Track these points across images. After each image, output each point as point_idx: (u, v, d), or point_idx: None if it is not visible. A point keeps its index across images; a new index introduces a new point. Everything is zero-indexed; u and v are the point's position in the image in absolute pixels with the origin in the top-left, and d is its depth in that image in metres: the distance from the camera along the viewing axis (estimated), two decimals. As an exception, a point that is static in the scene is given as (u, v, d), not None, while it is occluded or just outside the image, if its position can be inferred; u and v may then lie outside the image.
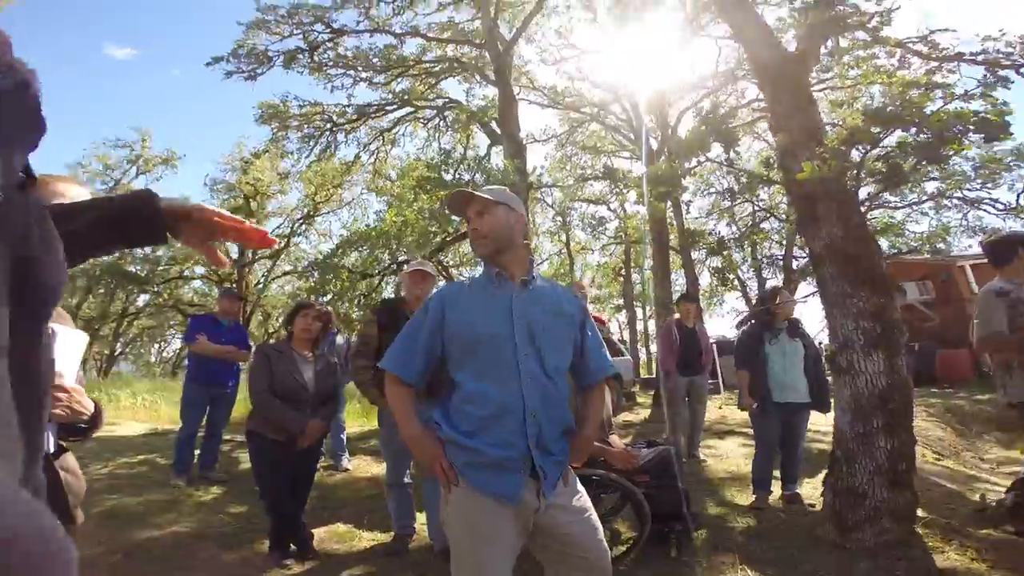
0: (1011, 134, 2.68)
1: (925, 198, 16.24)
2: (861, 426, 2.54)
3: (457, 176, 8.82)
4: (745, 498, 3.68)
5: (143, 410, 9.01)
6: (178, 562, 2.86)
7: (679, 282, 17.98)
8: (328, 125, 11.42)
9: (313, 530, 3.14)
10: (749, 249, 19.76)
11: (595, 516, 1.65)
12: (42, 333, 0.50)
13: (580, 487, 1.68)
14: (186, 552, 3.02)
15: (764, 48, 3.79)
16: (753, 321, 4.34)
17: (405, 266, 8.98)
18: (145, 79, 52.90)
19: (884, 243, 16.50)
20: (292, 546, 2.92)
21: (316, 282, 8.79)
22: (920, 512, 2.80)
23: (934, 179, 15.97)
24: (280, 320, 20.68)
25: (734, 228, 17.36)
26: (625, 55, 11.86)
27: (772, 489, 3.61)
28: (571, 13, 11.63)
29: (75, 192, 1.24)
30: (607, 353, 1.80)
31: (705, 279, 20.45)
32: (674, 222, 13.23)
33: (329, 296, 8.54)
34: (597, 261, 24.59)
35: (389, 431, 3.02)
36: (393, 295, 10.00)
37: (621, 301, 24.78)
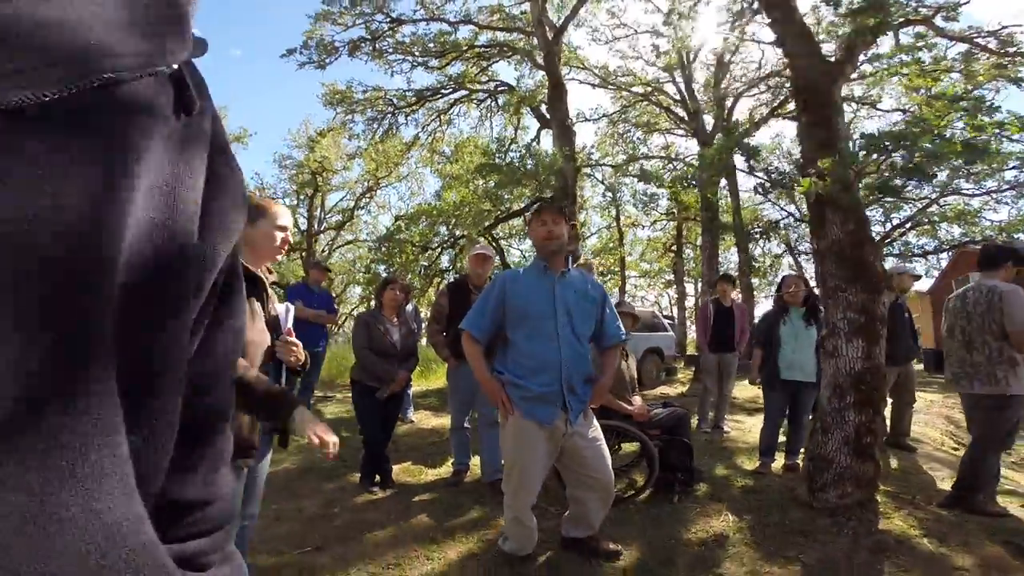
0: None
1: (1005, 186, 15.21)
2: (837, 402, 3.02)
3: (509, 159, 9.40)
4: (752, 464, 4.22)
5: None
6: (293, 490, 3.76)
7: (734, 260, 17.85)
8: (390, 108, 12.21)
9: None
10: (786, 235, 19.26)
11: (605, 447, 2.43)
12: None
13: (596, 423, 2.45)
14: (296, 483, 3.93)
15: (800, 53, 4.03)
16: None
17: (463, 241, 9.81)
18: (206, 58, 55.10)
19: (957, 231, 15.65)
20: (377, 477, 3.77)
21: (384, 254, 9.72)
22: (891, 488, 3.28)
23: (1015, 167, 14.92)
24: (342, 283, 22.31)
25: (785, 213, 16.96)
26: (678, 35, 11.78)
27: (776, 458, 4.13)
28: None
29: (284, 215, 1.81)
30: (620, 325, 2.59)
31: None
32: (730, 201, 13.24)
33: (395, 267, 9.44)
34: (648, 236, 24.54)
35: (456, 383, 3.79)
36: (450, 266, 10.85)
37: (671, 276, 24.72)
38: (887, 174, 3.30)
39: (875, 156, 3.30)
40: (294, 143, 21.68)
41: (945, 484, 3.58)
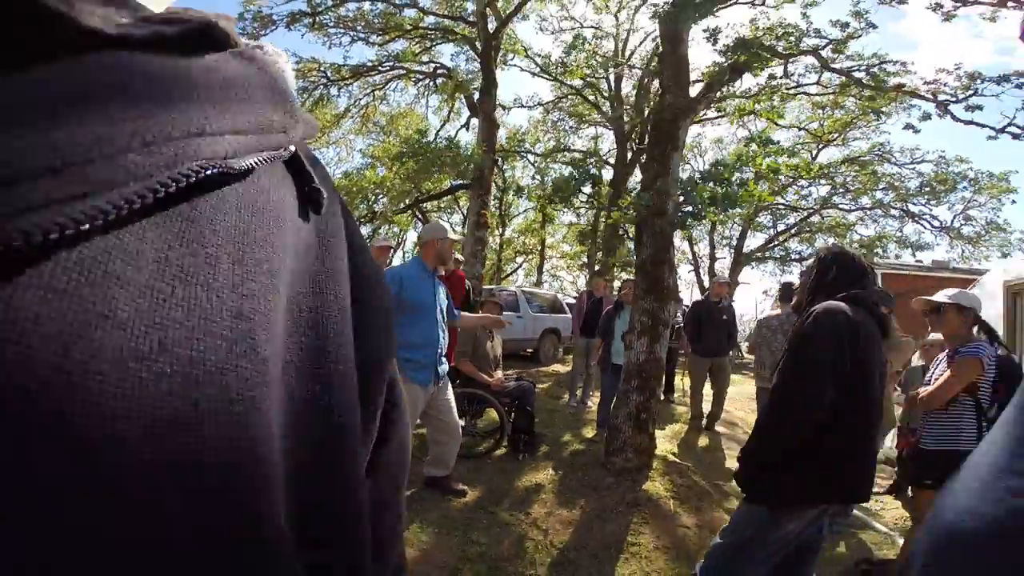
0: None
1: (872, 205, 17.89)
2: (625, 384, 4.16)
3: (435, 144, 9.97)
4: (591, 433, 5.38)
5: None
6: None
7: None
8: (323, 80, 12.19)
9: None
10: (709, 227, 21.39)
11: (453, 402, 3.38)
12: None
13: (449, 386, 3.40)
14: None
15: (671, 85, 4.55)
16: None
17: (380, 219, 10.30)
18: None
19: (832, 241, 18.25)
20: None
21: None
22: (681, 460, 4.49)
23: (883, 189, 17.61)
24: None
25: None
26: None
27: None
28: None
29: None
30: (455, 311, 3.59)
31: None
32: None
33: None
34: (570, 221, 25.88)
35: None
36: (369, 237, 11.31)
37: (585, 261, 26.40)
38: (697, 207, 4.41)
39: (688, 191, 4.41)
40: None
41: (732, 462, 4.86)
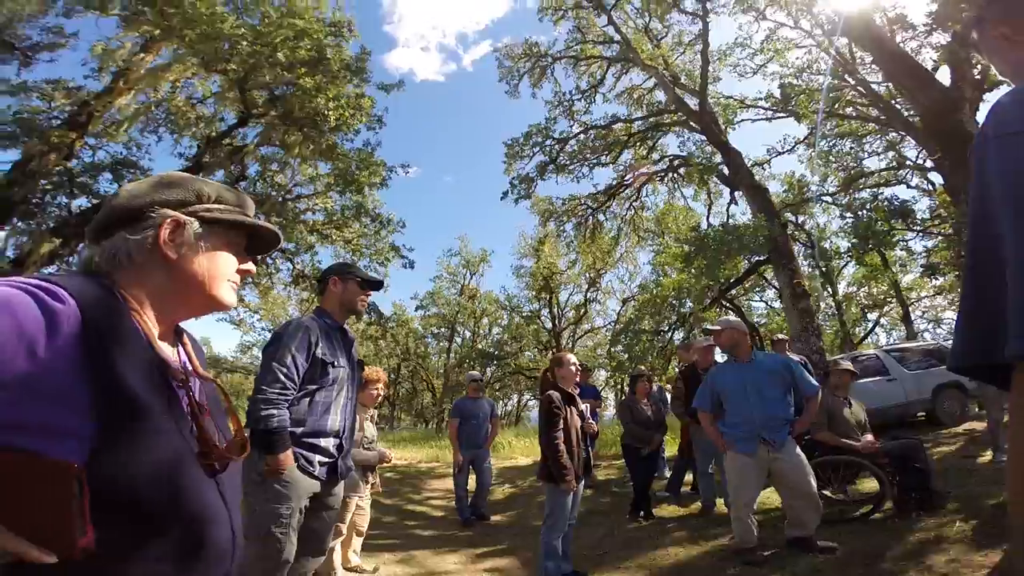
0: None
1: None
2: None
3: (713, 232, 10.29)
4: None
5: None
6: (587, 522, 5.23)
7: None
8: (589, 210, 14.61)
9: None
10: None
11: (804, 466, 3.40)
12: None
13: (797, 449, 3.48)
14: (585, 521, 5.40)
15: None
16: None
17: (691, 319, 10.70)
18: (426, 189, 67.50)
19: None
20: (641, 512, 5.04)
21: (626, 346, 11.43)
22: None
23: None
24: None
25: None
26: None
27: None
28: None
29: (573, 361, 3.72)
30: (812, 380, 3.65)
31: None
32: None
33: (634, 353, 10.94)
34: (915, 248, 20.45)
35: (698, 441, 5.08)
36: (684, 339, 11.80)
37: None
38: None
39: None
40: (521, 254, 26.16)
41: None
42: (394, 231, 11.78)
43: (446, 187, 72.44)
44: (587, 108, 14.35)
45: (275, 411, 2.09)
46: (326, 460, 2.24)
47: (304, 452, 2.17)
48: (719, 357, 5.07)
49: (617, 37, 12.96)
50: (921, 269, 18.43)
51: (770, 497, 4.35)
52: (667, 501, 5.66)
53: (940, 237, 15.27)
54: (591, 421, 3.76)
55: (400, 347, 29.43)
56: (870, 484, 4.36)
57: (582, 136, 14.02)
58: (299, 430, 2.18)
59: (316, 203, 11.45)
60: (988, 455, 5.58)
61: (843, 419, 4.29)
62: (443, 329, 29.40)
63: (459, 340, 30.59)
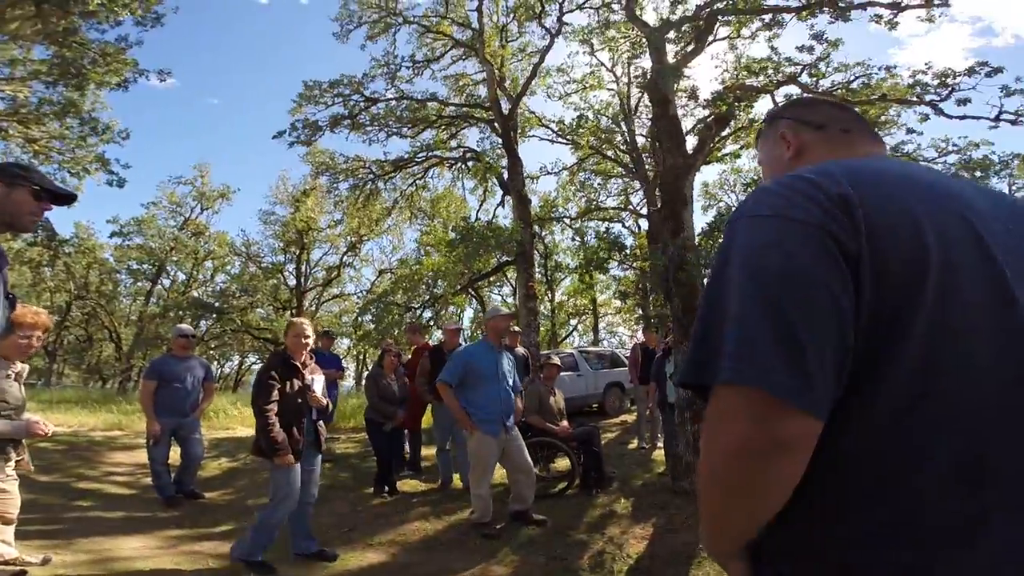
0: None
1: None
2: (680, 417, 4.64)
3: (478, 226, 11.25)
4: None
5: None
6: (327, 498, 5.14)
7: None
8: (371, 176, 14.10)
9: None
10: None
11: (524, 448, 4.00)
12: None
13: (519, 436, 4.03)
14: (327, 496, 5.32)
15: (669, 148, 5.05)
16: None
17: (441, 301, 11.48)
18: (184, 108, 57.16)
19: None
20: (386, 487, 5.22)
21: (375, 317, 11.31)
22: None
23: None
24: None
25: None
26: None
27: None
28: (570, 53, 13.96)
29: (308, 327, 3.54)
30: (518, 380, 4.24)
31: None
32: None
33: (383, 325, 10.98)
34: (615, 275, 26.35)
35: (438, 418, 5.41)
36: (432, 319, 12.46)
37: (641, 313, 26.53)
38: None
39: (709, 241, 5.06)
40: (276, 200, 23.32)
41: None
42: (109, 140, 9.27)
43: (206, 108, 59.02)
44: (411, 78, 13.92)
45: None
46: None
47: None
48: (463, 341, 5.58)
49: (476, 25, 13.03)
50: (616, 292, 24.10)
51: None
52: (409, 477, 5.94)
53: (633, 270, 20.57)
54: (315, 393, 3.39)
55: (76, 281, 22.80)
56: (564, 463, 5.43)
57: (394, 103, 13.42)
58: None
59: (3, 89, 8.17)
60: (635, 443, 7.56)
61: (549, 406, 5.25)
62: (146, 266, 23.90)
63: (167, 282, 25.43)
